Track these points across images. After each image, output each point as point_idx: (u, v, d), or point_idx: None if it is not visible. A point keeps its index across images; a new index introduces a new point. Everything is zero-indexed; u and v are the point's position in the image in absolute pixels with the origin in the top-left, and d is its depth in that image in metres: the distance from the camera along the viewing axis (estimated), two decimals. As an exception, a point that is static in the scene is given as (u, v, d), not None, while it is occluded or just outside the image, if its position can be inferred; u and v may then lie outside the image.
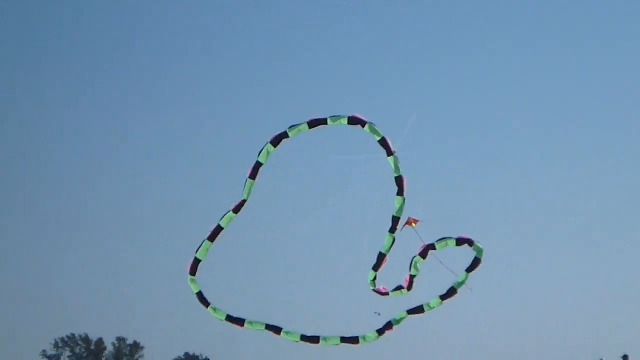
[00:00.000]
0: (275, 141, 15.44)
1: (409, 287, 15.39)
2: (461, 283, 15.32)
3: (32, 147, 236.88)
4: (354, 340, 15.55)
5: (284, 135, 15.49)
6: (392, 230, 15.16)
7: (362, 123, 15.10)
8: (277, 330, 15.80)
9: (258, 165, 15.73)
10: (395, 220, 15.20)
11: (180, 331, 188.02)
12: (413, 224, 15.26)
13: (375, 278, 15.48)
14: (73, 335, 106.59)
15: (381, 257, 15.35)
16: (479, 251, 15.21)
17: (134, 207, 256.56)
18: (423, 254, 15.22)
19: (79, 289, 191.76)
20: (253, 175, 15.80)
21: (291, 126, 15.45)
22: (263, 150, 15.55)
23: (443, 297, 15.37)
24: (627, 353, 41.66)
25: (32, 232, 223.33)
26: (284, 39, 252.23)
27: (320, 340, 15.71)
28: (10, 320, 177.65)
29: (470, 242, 15.21)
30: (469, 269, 15.26)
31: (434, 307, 15.59)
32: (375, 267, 15.43)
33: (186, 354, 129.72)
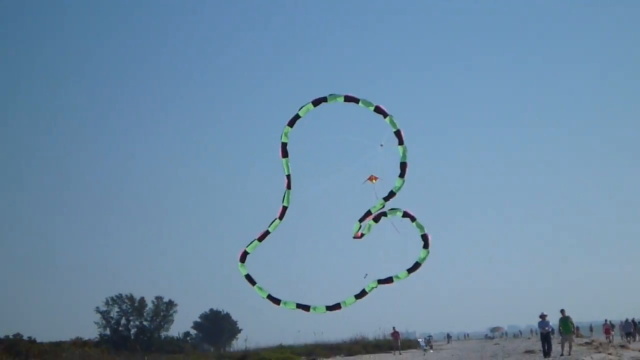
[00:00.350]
0: (316, 102, 15.74)
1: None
2: (424, 259, 15.65)
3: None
4: (337, 306, 15.95)
5: (324, 99, 15.78)
6: (387, 199, 15.75)
7: (385, 114, 15.55)
8: (306, 308, 15.95)
9: (284, 145, 15.87)
10: (392, 194, 15.84)
11: (206, 291, 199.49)
12: (374, 181, 15.81)
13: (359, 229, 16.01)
14: (121, 295, 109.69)
15: (368, 213, 15.93)
16: (420, 227, 15.76)
17: (176, 182, 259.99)
18: (376, 219, 16.03)
19: (125, 255, 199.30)
20: (289, 186, 15.99)
21: (331, 94, 15.83)
22: (304, 108, 15.78)
23: (410, 271, 15.70)
24: (563, 308, 43.88)
25: (83, 210, 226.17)
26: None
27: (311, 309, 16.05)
28: (70, 281, 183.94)
29: (412, 218, 15.84)
30: (425, 246, 15.64)
31: (401, 279, 15.92)
32: (361, 220, 15.97)
33: (211, 309, 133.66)
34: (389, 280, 15.83)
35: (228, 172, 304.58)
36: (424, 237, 15.89)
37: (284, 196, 15.94)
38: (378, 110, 15.64)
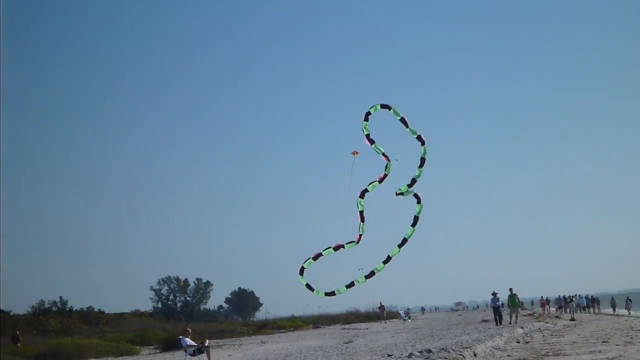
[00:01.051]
0: (367, 117, 15.40)
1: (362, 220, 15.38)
2: (419, 212, 15.33)
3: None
4: (331, 293, 15.60)
5: (388, 107, 15.53)
6: (380, 181, 15.27)
7: (422, 142, 15.49)
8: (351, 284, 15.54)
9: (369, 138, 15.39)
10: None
11: (235, 273, 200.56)
12: (355, 155, 15.17)
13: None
14: (169, 276, 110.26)
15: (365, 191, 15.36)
16: (413, 132, 15.50)
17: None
18: (361, 195, 15.33)
19: (174, 244, 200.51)
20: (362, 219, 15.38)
21: (387, 105, 15.56)
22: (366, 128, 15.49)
23: (384, 262, 15.26)
24: (511, 287, 44.72)
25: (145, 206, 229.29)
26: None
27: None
28: (130, 265, 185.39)
29: (406, 125, 15.44)
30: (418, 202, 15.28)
31: (380, 270, 15.48)
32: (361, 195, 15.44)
33: (239, 288, 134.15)
34: (372, 274, 15.64)
35: (252, 170, 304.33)
36: (420, 138, 15.73)
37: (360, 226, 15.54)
38: (403, 121, 15.68)
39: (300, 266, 15.86)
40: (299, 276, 15.85)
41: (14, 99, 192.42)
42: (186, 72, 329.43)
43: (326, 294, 15.87)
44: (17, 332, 43.46)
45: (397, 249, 15.60)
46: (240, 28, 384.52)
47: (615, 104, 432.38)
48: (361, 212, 15.66)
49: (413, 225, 15.64)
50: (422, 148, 15.69)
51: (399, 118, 15.91)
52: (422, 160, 15.72)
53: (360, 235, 15.60)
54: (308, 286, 15.77)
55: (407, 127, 15.79)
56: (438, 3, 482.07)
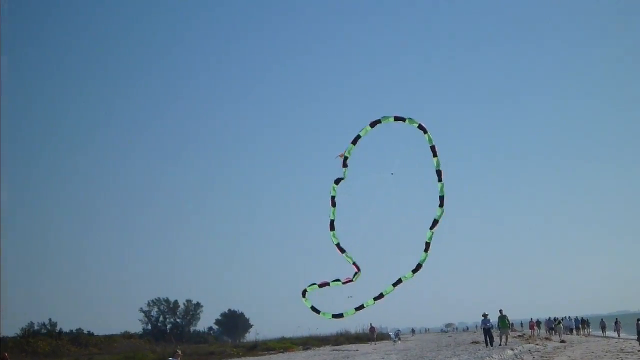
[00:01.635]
0: (373, 124, 15.34)
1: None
2: (388, 292, 15.15)
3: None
4: (340, 315, 15.41)
5: (378, 121, 15.41)
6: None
7: (434, 153, 15.21)
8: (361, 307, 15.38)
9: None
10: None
11: (225, 294, 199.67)
12: (341, 157, 15.41)
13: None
14: (159, 298, 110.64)
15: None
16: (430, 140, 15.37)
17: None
18: (344, 164, 15.57)
19: (162, 267, 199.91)
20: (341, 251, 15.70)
21: (384, 117, 15.39)
22: (363, 130, 15.35)
23: (394, 284, 15.08)
24: (501, 308, 44.09)
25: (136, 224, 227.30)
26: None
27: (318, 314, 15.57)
28: (119, 287, 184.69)
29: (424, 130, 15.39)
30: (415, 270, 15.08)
31: (389, 293, 15.34)
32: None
33: (229, 309, 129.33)
34: (380, 296, 15.52)
35: (242, 192, 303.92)
36: (433, 149, 15.53)
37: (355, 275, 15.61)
38: (420, 127, 15.46)
39: (303, 289, 15.84)
40: (303, 299, 15.79)
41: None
42: (186, 91, 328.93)
43: (334, 316, 15.76)
44: (6, 354, 43.18)
45: (411, 273, 15.49)
46: (244, 40, 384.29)
47: (616, 119, 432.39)
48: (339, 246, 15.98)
49: (425, 250, 15.50)
50: (434, 160, 15.55)
51: (392, 119, 15.78)
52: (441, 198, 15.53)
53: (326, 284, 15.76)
54: (313, 308, 15.71)
55: (404, 120, 15.71)
56: (449, 13, 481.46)
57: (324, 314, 15.70)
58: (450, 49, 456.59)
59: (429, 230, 15.43)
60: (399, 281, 15.57)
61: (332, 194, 16.15)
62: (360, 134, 15.77)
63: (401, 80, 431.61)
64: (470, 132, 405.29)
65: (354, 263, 15.92)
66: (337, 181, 16.15)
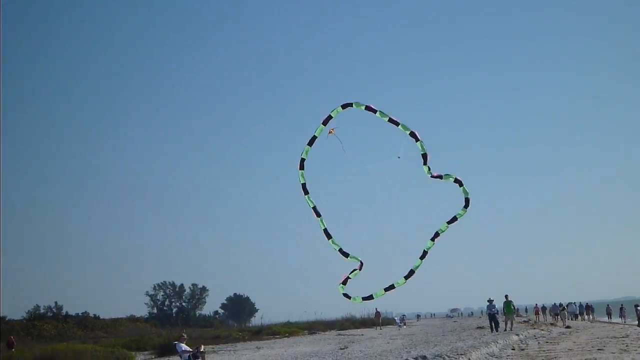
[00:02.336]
0: (344, 106, 15.20)
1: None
2: (417, 267, 14.77)
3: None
4: (369, 297, 15.13)
5: (350, 104, 15.21)
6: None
7: (416, 139, 14.84)
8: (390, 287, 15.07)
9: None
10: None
11: (231, 278, 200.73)
12: (332, 132, 15.07)
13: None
14: (165, 282, 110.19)
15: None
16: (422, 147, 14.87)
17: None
18: (327, 132, 15.18)
19: (169, 250, 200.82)
20: (306, 192, 15.70)
21: (357, 102, 15.26)
22: (334, 111, 15.23)
23: (406, 277, 14.63)
24: (507, 294, 44.21)
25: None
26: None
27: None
28: (126, 271, 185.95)
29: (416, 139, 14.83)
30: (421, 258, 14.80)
31: (401, 285, 14.98)
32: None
33: (235, 294, 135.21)
34: (391, 287, 15.17)
35: (248, 176, 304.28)
36: (413, 135, 15.07)
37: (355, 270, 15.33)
38: (413, 135, 15.00)
39: (345, 277, 15.40)
40: (341, 285, 15.39)
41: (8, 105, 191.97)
42: (186, 79, 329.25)
43: (364, 298, 15.43)
44: (12, 337, 43.31)
45: (431, 242, 15.07)
46: (238, 39, 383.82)
47: (616, 109, 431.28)
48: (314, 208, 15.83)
49: (421, 257, 15.08)
50: (418, 144, 15.04)
51: (387, 119, 15.27)
52: (467, 200, 15.07)
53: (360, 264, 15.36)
54: (346, 295, 15.39)
55: (398, 125, 15.13)
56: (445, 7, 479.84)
57: (354, 298, 15.38)
58: (448, 43, 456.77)
59: (430, 240, 15.07)
60: (424, 253, 15.17)
61: (302, 181, 16.00)
62: (332, 114, 15.45)
63: (400, 77, 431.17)
64: (471, 121, 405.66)
65: (340, 250, 15.60)
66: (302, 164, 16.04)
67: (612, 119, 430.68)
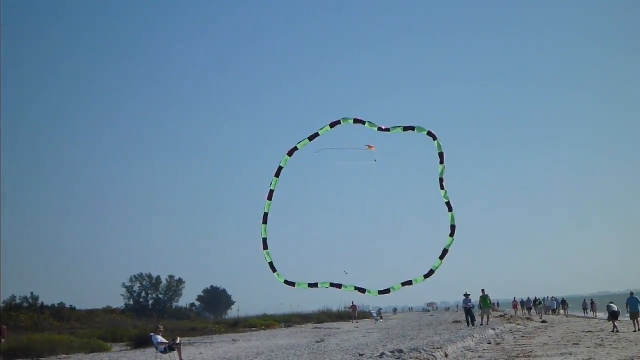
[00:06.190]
0: (332, 124, 15.23)
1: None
2: (437, 267, 14.66)
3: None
4: (386, 290, 14.87)
5: (337, 122, 15.25)
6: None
7: (386, 130, 15.06)
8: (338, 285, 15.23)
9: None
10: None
11: (208, 270, 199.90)
12: (372, 149, 14.65)
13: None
14: (141, 273, 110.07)
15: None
16: (439, 146, 14.91)
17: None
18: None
19: (146, 241, 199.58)
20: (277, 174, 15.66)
21: (344, 118, 15.37)
22: (322, 129, 15.30)
23: (425, 276, 14.64)
24: (483, 288, 45.00)
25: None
26: None
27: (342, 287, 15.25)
28: (102, 262, 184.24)
29: (434, 137, 14.89)
30: (441, 256, 14.77)
31: (419, 282, 14.89)
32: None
33: (211, 286, 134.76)
34: (409, 282, 15.03)
35: (225, 168, 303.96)
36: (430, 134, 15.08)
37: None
38: (381, 129, 15.15)
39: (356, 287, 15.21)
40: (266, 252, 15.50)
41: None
42: (168, 73, 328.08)
43: (380, 292, 15.18)
44: (4, 327, 40.67)
45: (451, 238, 14.96)
46: (220, 31, 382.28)
47: (614, 106, 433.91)
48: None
49: (451, 235, 15.01)
50: (435, 142, 15.04)
51: (376, 128, 15.31)
52: (441, 178, 15.13)
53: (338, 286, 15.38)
54: (358, 288, 15.20)
55: (364, 124, 15.32)
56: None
57: (369, 291, 15.14)
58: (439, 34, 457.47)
59: (439, 259, 14.93)
60: (445, 252, 15.02)
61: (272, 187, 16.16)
62: (319, 132, 15.49)
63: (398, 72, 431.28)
64: (447, 115, 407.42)
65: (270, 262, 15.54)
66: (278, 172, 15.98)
67: (599, 117, 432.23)
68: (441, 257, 14.97)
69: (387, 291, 15.17)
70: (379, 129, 15.25)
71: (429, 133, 15.06)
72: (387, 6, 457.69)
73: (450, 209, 15.12)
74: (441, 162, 15.12)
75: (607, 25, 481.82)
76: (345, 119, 15.48)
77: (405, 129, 15.28)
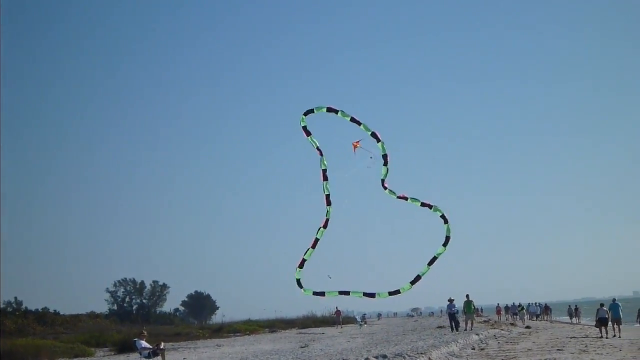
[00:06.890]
0: (306, 113, 15.03)
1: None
2: (424, 273, 14.47)
3: None
4: (396, 292, 14.63)
5: (311, 110, 15.08)
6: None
7: (377, 139, 14.43)
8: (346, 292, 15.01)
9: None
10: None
11: (192, 276, 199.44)
12: (358, 145, 14.49)
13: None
14: (125, 278, 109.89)
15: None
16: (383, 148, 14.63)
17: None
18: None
19: (130, 247, 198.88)
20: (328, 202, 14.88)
21: (317, 107, 15.11)
22: (302, 120, 15.06)
23: (412, 283, 14.39)
24: (468, 293, 44.44)
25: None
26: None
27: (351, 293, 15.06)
28: (86, 267, 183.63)
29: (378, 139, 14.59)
30: (430, 263, 14.55)
31: (407, 290, 14.64)
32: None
33: (195, 291, 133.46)
34: (396, 292, 14.88)
35: (210, 174, 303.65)
36: (374, 135, 14.80)
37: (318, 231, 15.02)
38: (374, 135, 14.74)
39: (302, 259, 15.06)
40: (297, 269, 15.15)
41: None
42: (165, 77, 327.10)
43: (390, 293, 15.01)
44: None
45: (443, 248, 14.90)
46: (218, 38, 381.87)
47: (612, 102, 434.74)
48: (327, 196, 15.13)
49: (412, 282, 14.79)
50: (379, 145, 14.80)
51: (348, 119, 14.97)
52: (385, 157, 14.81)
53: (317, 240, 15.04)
54: (366, 294, 15.17)
55: (359, 124, 14.85)
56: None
57: (379, 294, 15.12)
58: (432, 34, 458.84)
59: (427, 265, 14.85)
60: (417, 278, 14.86)
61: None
62: (301, 124, 15.21)
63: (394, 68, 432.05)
64: (434, 112, 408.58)
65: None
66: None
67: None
68: (429, 264, 14.86)
69: (397, 292, 14.98)
70: (352, 120, 14.91)
71: (373, 134, 14.83)
72: (387, 6, 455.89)
73: (446, 221, 15.02)
74: (385, 164, 14.91)
75: (607, 25, 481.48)
76: (318, 107, 15.27)
77: (329, 110, 15.05)
